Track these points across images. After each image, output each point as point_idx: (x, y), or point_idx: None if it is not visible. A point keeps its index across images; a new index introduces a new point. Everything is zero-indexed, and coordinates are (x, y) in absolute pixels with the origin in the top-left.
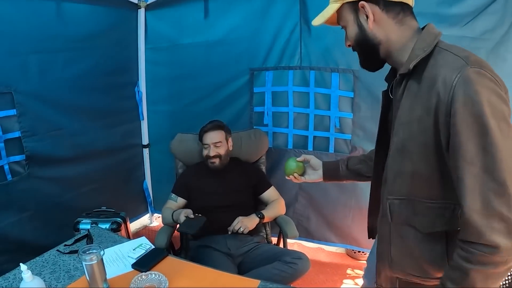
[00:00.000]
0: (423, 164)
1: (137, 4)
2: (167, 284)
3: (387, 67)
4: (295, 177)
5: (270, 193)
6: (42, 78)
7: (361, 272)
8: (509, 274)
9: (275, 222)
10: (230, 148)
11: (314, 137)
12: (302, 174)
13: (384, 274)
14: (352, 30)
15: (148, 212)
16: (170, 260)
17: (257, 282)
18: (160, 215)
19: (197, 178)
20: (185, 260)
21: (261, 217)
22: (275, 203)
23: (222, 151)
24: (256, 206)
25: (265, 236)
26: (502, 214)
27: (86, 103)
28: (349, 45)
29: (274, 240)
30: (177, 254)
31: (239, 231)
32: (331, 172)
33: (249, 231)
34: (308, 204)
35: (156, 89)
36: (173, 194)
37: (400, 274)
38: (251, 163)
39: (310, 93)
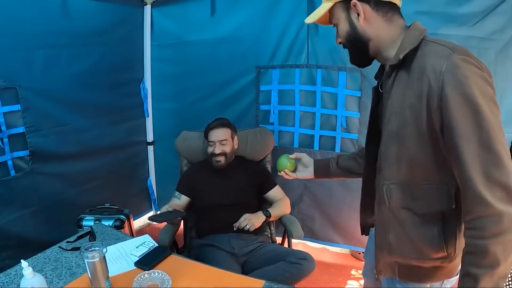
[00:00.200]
0: (417, 148)
1: (143, 0)
2: (170, 283)
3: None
4: (286, 173)
5: (275, 192)
6: (47, 73)
7: None
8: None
9: (280, 221)
10: (236, 147)
11: (320, 136)
12: (294, 171)
13: (383, 261)
14: (344, 27)
15: (152, 210)
16: (174, 259)
17: (261, 282)
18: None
19: (201, 176)
20: (188, 259)
21: (268, 215)
22: (281, 202)
23: (227, 149)
24: (261, 205)
25: (269, 235)
26: (502, 182)
27: (90, 99)
28: (340, 42)
29: (278, 239)
30: (180, 252)
31: (245, 228)
32: (321, 169)
33: (254, 230)
34: (313, 204)
35: (161, 86)
36: (177, 192)
37: (399, 259)
38: (256, 162)
39: (316, 91)
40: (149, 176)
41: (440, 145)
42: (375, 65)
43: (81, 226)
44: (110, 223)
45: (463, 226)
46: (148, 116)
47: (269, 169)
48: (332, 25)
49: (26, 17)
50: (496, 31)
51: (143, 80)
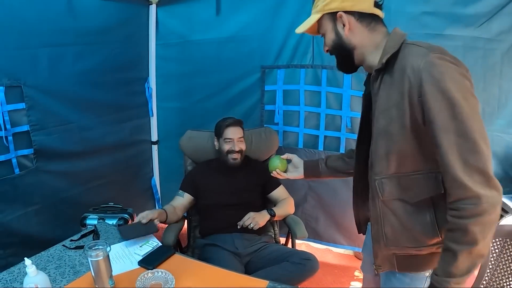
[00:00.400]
0: (403, 142)
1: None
2: (174, 283)
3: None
4: (277, 173)
5: (279, 192)
6: (52, 72)
7: None
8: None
9: (284, 222)
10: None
11: (325, 136)
12: (285, 171)
13: (381, 254)
14: (330, 36)
15: (155, 209)
16: (177, 258)
17: (265, 282)
18: None
19: (206, 176)
20: (192, 259)
21: (273, 214)
22: (285, 202)
23: (243, 147)
24: (265, 205)
25: (273, 236)
26: (479, 168)
27: (95, 98)
28: (327, 50)
29: (282, 240)
30: (183, 252)
31: (249, 227)
32: (311, 170)
33: (258, 230)
34: (317, 204)
35: (166, 85)
36: (180, 191)
37: (396, 250)
38: (260, 162)
39: (321, 92)
40: (153, 175)
41: (424, 136)
42: None
43: (84, 225)
44: (114, 222)
45: None
46: (152, 115)
47: None
48: (321, 35)
49: (31, 16)
50: (503, 32)
51: (147, 79)
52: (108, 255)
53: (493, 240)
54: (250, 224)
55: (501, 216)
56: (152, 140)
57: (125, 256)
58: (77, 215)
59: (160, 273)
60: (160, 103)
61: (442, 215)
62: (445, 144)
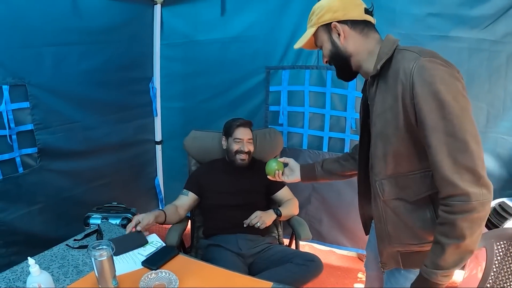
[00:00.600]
0: (399, 144)
1: None
2: (178, 283)
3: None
4: (277, 175)
5: (284, 193)
6: (56, 71)
7: None
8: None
9: (288, 223)
10: None
11: (330, 138)
12: (282, 174)
13: (385, 252)
14: (327, 47)
15: (158, 209)
16: (181, 259)
17: (269, 284)
18: None
19: (210, 176)
20: (196, 259)
21: (279, 214)
22: (290, 203)
23: (252, 148)
24: (269, 206)
25: (277, 237)
26: (468, 166)
27: (99, 97)
28: (326, 61)
29: (285, 241)
30: (187, 252)
31: (256, 226)
32: (307, 173)
33: (261, 231)
34: (321, 206)
35: (170, 85)
36: (185, 190)
37: (399, 247)
38: (265, 163)
39: (326, 93)
40: (156, 175)
41: (418, 137)
42: None
43: (88, 224)
44: (117, 221)
45: None
46: (156, 115)
47: None
48: (319, 48)
49: (36, 15)
50: (508, 34)
51: (152, 79)
52: (112, 255)
53: (497, 243)
54: (257, 223)
55: (505, 219)
56: (156, 140)
57: (128, 256)
58: (81, 214)
59: (163, 273)
60: (164, 103)
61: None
62: (434, 143)
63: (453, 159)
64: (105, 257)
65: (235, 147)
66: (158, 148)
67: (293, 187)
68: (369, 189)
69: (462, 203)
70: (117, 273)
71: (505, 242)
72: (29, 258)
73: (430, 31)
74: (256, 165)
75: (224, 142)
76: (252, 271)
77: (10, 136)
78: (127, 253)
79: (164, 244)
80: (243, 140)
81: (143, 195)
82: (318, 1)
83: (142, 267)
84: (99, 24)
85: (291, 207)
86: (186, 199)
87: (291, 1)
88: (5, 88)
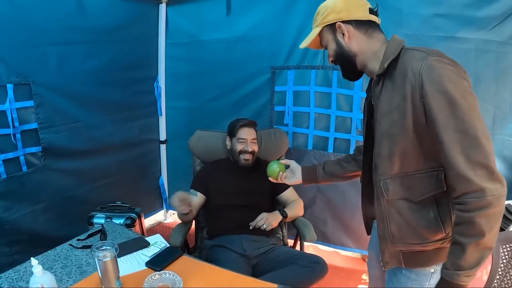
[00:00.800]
0: (406, 143)
1: None
2: (181, 285)
3: None
4: (280, 177)
5: (289, 194)
6: (61, 70)
7: None
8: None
9: (293, 224)
10: None
11: (335, 138)
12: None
13: (387, 252)
14: (332, 47)
15: (162, 209)
16: (185, 260)
17: (274, 285)
18: (175, 212)
19: (215, 176)
20: (200, 260)
21: (285, 216)
22: (295, 204)
23: (256, 148)
24: (274, 207)
25: (281, 238)
26: (482, 162)
27: (104, 97)
28: (332, 61)
29: (289, 242)
30: (191, 253)
31: (262, 228)
32: (309, 175)
33: (266, 232)
34: (326, 207)
35: (175, 84)
36: (192, 190)
37: (402, 247)
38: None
39: (332, 93)
40: (161, 175)
41: (426, 137)
42: None
43: (91, 224)
44: (121, 221)
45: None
46: (161, 115)
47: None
48: (324, 48)
49: (41, 13)
50: None
51: (157, 78)
52: (115, 256)
53: (503, 247)
54: (263, 225)
55: (511, 222)
56: (160, 139)
57: (132, 257)
58: (84, 213)
59: (167, 274)
60: (169, 102)
61: (445, 210)
62: (447, 141)
63: (466, 156)
64: (109, 258)
65: (239, 147)
66: (163, 147)
67: (298, 188)
68: (372, 189)
69: (477, 199)
70: (121, 274)
71: (510, 245)
72: (32, 258)
73: (436, 31)
74: (261, 165)
75: (228, 142)
76: (256, 272)
77: (14, 135)
78: (131, 254)
79: (168, 245)
80: (246, 140)
81: (147, 194)
82: (323, 1)
83: (146, 268)
84: (104, 24)
85: (296, 208)
86: (196, 199)
87: (296, 1)
88: (10, 86)
